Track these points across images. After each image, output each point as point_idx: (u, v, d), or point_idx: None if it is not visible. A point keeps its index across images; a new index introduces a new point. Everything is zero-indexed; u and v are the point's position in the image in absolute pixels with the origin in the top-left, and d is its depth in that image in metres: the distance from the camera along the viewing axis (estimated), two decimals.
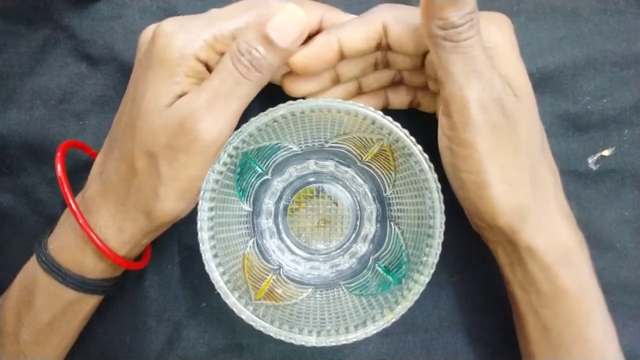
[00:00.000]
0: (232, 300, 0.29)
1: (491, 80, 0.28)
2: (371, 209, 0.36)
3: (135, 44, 0.38)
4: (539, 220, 0.29)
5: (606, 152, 0.37)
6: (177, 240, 0.38)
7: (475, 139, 0.28)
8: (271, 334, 0.29)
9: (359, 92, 0.34)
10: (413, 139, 0.29)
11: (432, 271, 0.29)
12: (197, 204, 0.30)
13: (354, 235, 0.36)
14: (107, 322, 0.38)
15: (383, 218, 0.35)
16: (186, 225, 0.37)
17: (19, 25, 0.38)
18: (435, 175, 0.29)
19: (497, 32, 0.30)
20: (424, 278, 0.30)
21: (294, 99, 0.29)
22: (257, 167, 0.34)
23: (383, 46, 0.31)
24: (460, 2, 0.26)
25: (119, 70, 0.38)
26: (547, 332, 0.31)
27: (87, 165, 0.34)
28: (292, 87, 0.32)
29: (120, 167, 0.31)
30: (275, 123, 0.29)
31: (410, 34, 0.30)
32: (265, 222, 0.36)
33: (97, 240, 0.31)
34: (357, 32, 0.30)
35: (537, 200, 0.29)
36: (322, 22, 0.31)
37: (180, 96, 0.29)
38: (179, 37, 0.29)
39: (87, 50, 0.38)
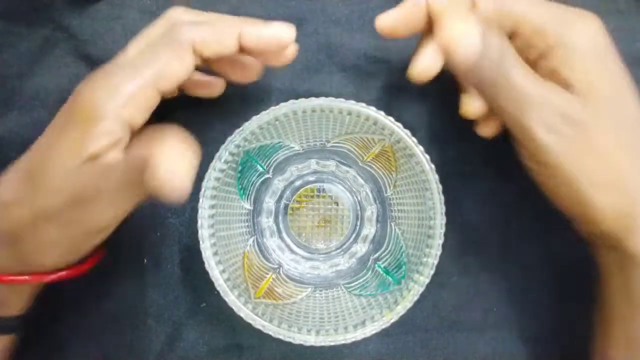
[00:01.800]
0: (231, 299, 0.29)
1: (546, 99, 0.27)
2: (372, 209, 0.36)
3: None
4: None
5: None
6: (177, 240, 0.38)
7: (555, 160, 0.27)
8: (270, 333, 0.29)
9: None
10: (415, 139, 0.29)
11: (431, 272, 0.29)
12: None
13: (354, 236, 0.36)
14: (107, 322, 0.38)
15: (383, 218, 0.35)
16: (186, 226, 0.37)
17: (18, 25, 0.39)
18: (437, 176, 0.29)
19: (580, 32, 0.28)
20: (424, 279, 0.30)
21: (296, 98, 0.29)
22: (258, 166, 0.34)
23: None
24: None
25: None
26: (632, 343, 0.29)
27: None
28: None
29: (9, 216, 0.28)
30: (277, 121, 0.29)
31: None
32: (266, 221, 0.36)
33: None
34: None
35: None
36: (242, 38, 0.28)
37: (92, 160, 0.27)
38: (99, 94, 0.27)
39: (86, 50, 0.38)
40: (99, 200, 0.27)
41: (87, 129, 0.26)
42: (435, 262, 0.29)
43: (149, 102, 0.27)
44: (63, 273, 0.31)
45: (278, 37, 0.29)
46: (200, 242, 0.29)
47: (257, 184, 0.35)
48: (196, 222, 0.29)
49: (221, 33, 0.28)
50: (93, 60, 0.38)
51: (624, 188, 0.27)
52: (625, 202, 0.27)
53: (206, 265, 0.29)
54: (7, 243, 0.29)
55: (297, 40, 0.38)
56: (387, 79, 0.37)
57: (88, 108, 0.26)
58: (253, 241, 0.35)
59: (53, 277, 0.31)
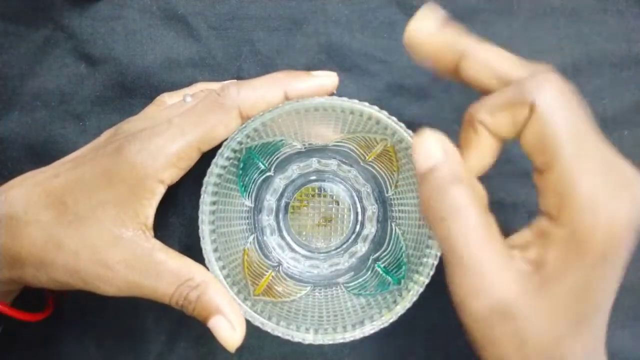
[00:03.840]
0: (230, 295, 0.29)
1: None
2: (372, 209, 0.36)
3: (135, 45, 0.38)
4: None
5: None
6: (177, 240, 0.38)
7: None
8: (268, 330, 0.29)
9: None
10: None
11: (431, 272, 0.29)
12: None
13: (354, 235, 0.36)
14: (107, 322, 0.38)
15: (384, 218, 0.35)
16: (186, 225, 0.37)
17: (18, 26, 0.39)
18: None
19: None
20: (423, 279, 0.29)
21: None
22: (260, 163, 0.34)
23: None
24: None
25: (117, 71, 0.38)
26: None
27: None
28: None
29: (22, 233, 0.29)
30: (280, 120, 0.29)
31: None
32: (266, 219, 0.36)
33: None
34: None
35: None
36: (288, 94, 0.30)
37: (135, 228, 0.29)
38: (142, 156, 0.28)
39: (86, 50, 0.38)
40: (115, 274, 0.28)
41: (131, 193, 0.28)
42: (435, 262, 0.29)
43: (191, 162, 0.29)
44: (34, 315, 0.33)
45: (323, 88, 0.30)
46: (201, 238, 0.29)
47: (259, 181, 0.35)
48: (196, 221, 0.29)
49: (267, 93, 0.29)
50: (92, 60, 0.38)
51: None
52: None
53: (206, 261, 0.29)
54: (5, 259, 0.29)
55: (297, 40, 0.38)
56: (388, 79, 0.38)
57: (130, 169, 0.28)
58: (253, 239, 0.35)
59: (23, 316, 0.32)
